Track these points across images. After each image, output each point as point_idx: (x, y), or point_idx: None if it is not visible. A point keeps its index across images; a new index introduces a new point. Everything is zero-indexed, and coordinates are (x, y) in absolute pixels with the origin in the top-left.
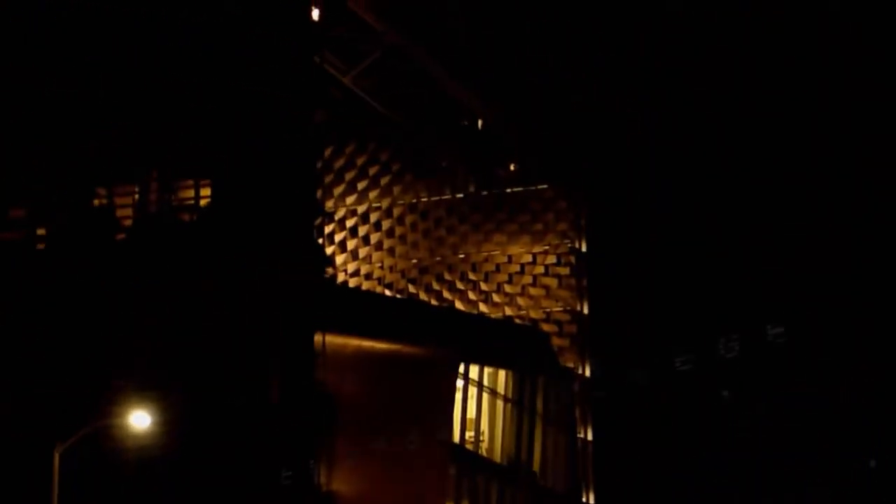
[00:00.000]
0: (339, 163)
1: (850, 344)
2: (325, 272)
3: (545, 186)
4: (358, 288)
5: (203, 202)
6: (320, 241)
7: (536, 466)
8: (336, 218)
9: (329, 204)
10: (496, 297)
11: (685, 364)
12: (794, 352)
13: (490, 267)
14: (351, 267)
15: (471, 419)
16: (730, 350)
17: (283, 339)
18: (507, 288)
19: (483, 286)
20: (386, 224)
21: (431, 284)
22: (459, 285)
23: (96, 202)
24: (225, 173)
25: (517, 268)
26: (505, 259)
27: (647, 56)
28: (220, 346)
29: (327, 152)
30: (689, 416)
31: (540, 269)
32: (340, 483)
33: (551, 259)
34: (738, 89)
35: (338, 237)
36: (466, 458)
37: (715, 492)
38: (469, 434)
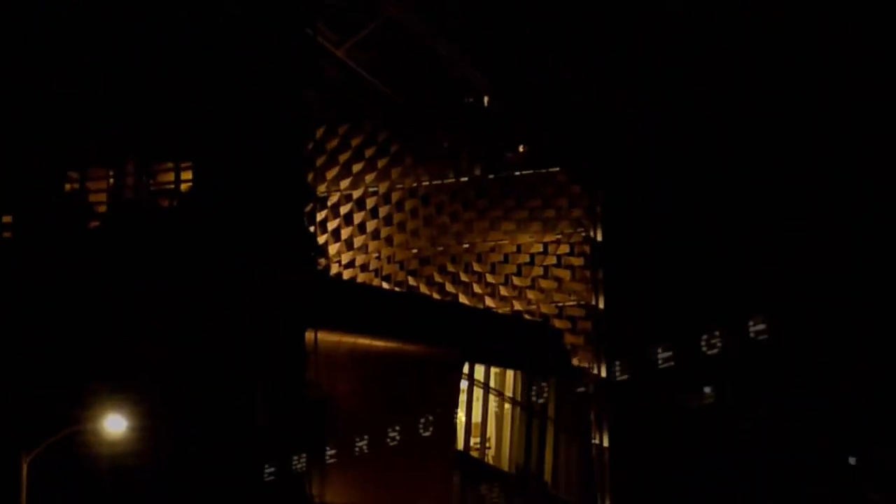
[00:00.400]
0: (333, 143)
1: (850, 344)
2: (316, 263)
3: (557, 169)
4: (353, 280)
5: (184, 187)
6: (311, 229)
7: (547, 475)
8: (329, 204)
9: (321, 188)
10: (504, 291)
11: (711, 362)
12: (794, 352)
13: (497, 257)
14: (345, 257)
15: (476, 424)
16: (737, 348)
17: (270, 338)
18: (516, 280)
19: (489, 278)
20: (383, 210)
21: (433, 276)
22: (464, 277)
23: (68, 187)
24: (207, 155)
25: (527, 258)
26: (513, 249)
27: (661, 31)
28: (200, 345)
29: (319, 132)
30: (709, 418)
31: (552, 260)
32: (334, 494)
33: (564, 249)
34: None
35: (331, 225)
36: (471, 465)
37: (742, 498)
38: (474, 440)
